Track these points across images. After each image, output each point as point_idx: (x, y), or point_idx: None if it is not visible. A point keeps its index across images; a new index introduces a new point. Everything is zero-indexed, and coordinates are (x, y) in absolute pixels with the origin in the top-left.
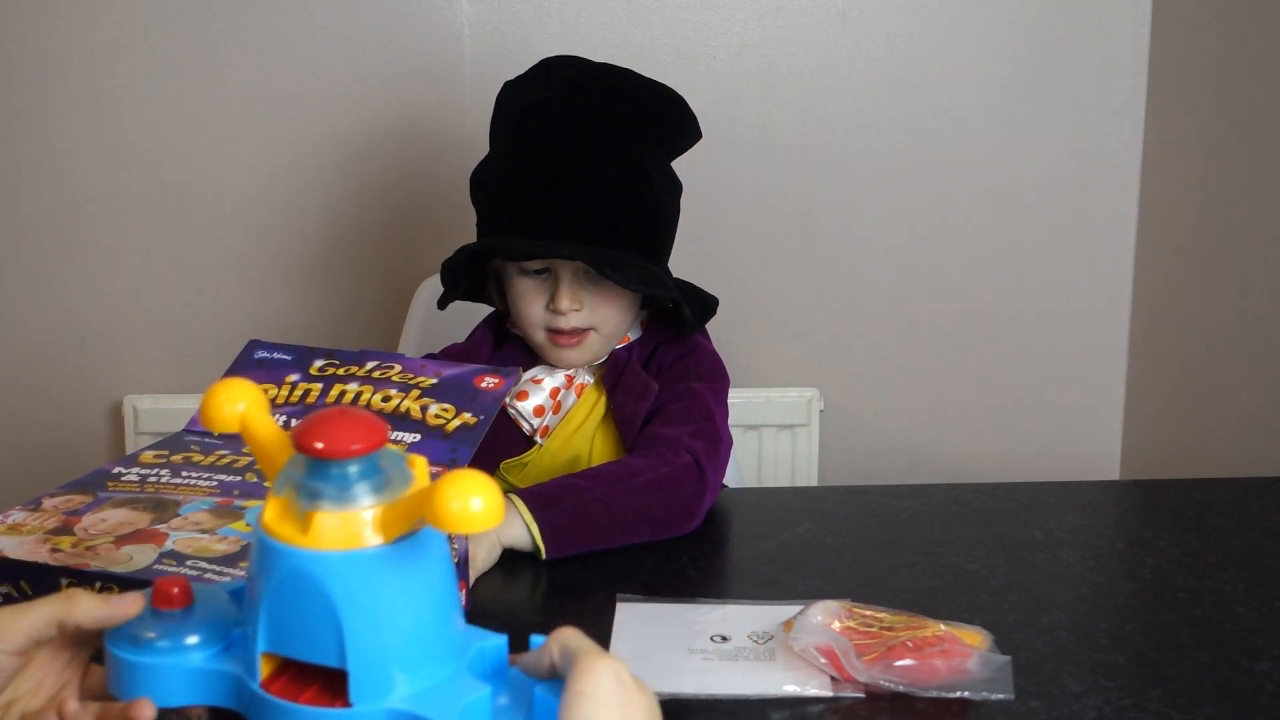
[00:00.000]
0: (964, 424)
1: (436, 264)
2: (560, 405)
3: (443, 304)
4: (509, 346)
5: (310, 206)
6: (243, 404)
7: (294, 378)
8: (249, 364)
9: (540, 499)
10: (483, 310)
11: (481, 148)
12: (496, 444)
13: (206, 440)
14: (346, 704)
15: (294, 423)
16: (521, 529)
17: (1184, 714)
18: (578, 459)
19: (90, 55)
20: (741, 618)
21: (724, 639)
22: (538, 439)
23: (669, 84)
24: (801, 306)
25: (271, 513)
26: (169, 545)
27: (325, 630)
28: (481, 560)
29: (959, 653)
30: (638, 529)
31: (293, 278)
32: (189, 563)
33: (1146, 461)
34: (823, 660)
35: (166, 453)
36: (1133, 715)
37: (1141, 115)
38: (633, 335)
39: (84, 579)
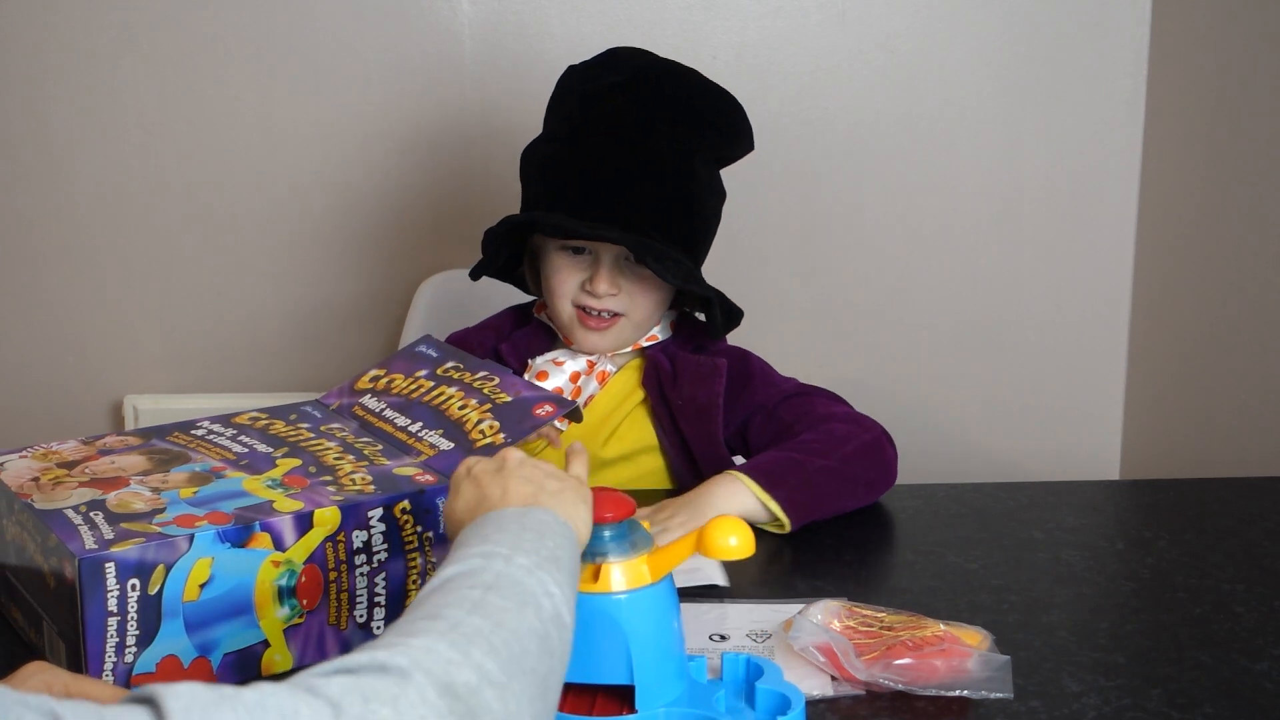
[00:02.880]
0: (964, 424)
1: (437, 263)
2: (580, 390)
3: (475, 274)
4: (529, 329)
5: (310, 206)
6: None
7: (422, 373)
8: (405, 354)
9: (765, 474)
10: (492, 307)
11: (482, 146)
12: None
13: (313, 412)
14: (632, 711)
15: (386, 411)
16: (755, 504)
17: (1184, 714)
18: (595, 454)
19: (90, 55)
20: (740, 617)
21: (722, 638)
22: (557, 424)
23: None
24: (801, 306)
25: None
26: (109, 495)
27: (617, 654)
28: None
29: (958, 652)
30: (855, 493)
31: (293, 277)
32: (92, 513)
33: (1146, 461)
34: (822, 659)
35: (264, 416)
36: (1132, 715)
37: (1141, 115)
38: (661, 335)
39: (27, 509)
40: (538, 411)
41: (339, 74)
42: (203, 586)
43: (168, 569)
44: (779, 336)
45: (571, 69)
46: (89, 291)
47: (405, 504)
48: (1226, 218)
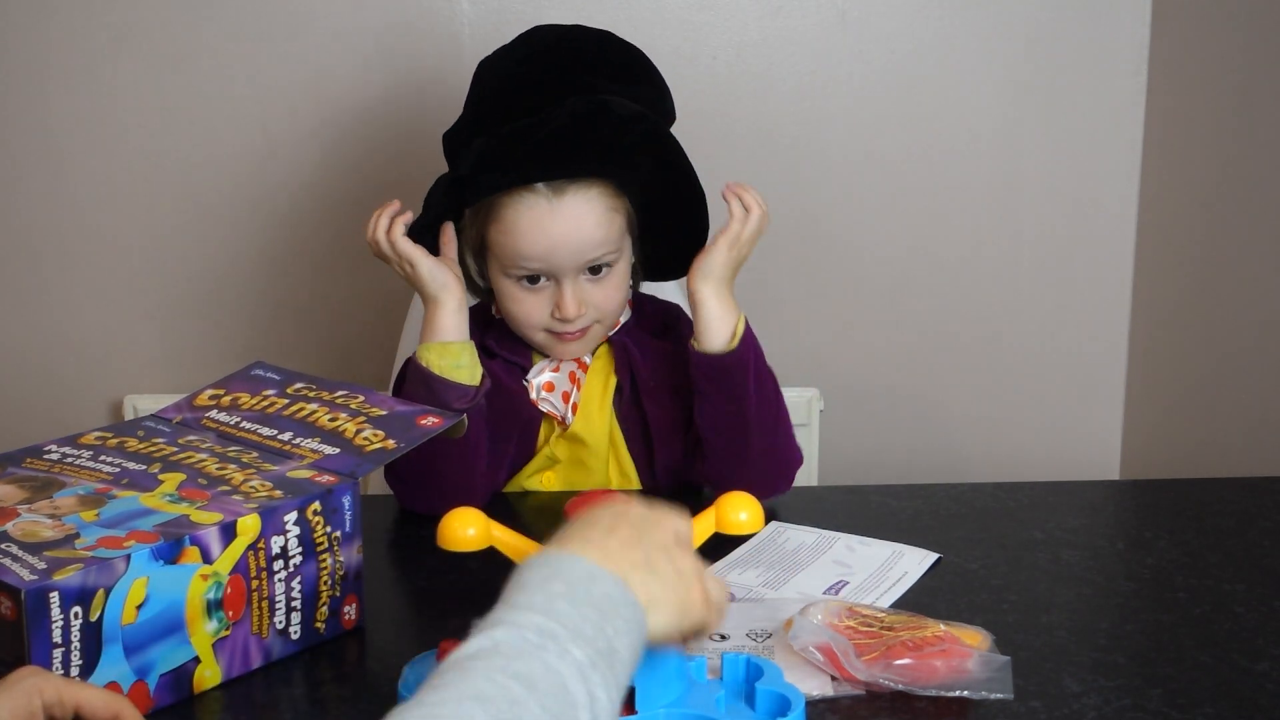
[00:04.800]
0: (964, 424)
1: None
2: (579, 382)
3: (413, 231)
4: (497, 332)
5: (310, 205)
6: (473, 529)
7: (270, 393)
8: (243, 377)
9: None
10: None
11: None
12: (520, 459)
13: (159, 427)
14: (631, 712)
15: (244, 424)
16: (730, 322)
17: (1184, 714)
18: (599, 443)
19: (90, 53)
20: (740, 615)
21: (723, 637)
22: (569, 416)
23: (669, 84)
24: (801, 306)
25: None
26: (8, 525)
27: None
28: None
29: (958, 653)
30: (777, 419)
31: (292, 276)
32: (4, 545)
33: (1146, 461)
34: (821, 659)
35: (110, 435)
36: (1133, 715)
37: (1141, 115)
38: (622, 318)
39: None
40: (422, 422)
41: (339, 73)
42: (139, 608)
43: (107, 593)
44: (778, 337)
45: (483, 60)
46: (89, 291)
47: (316, 505)
48: (1227, 218)
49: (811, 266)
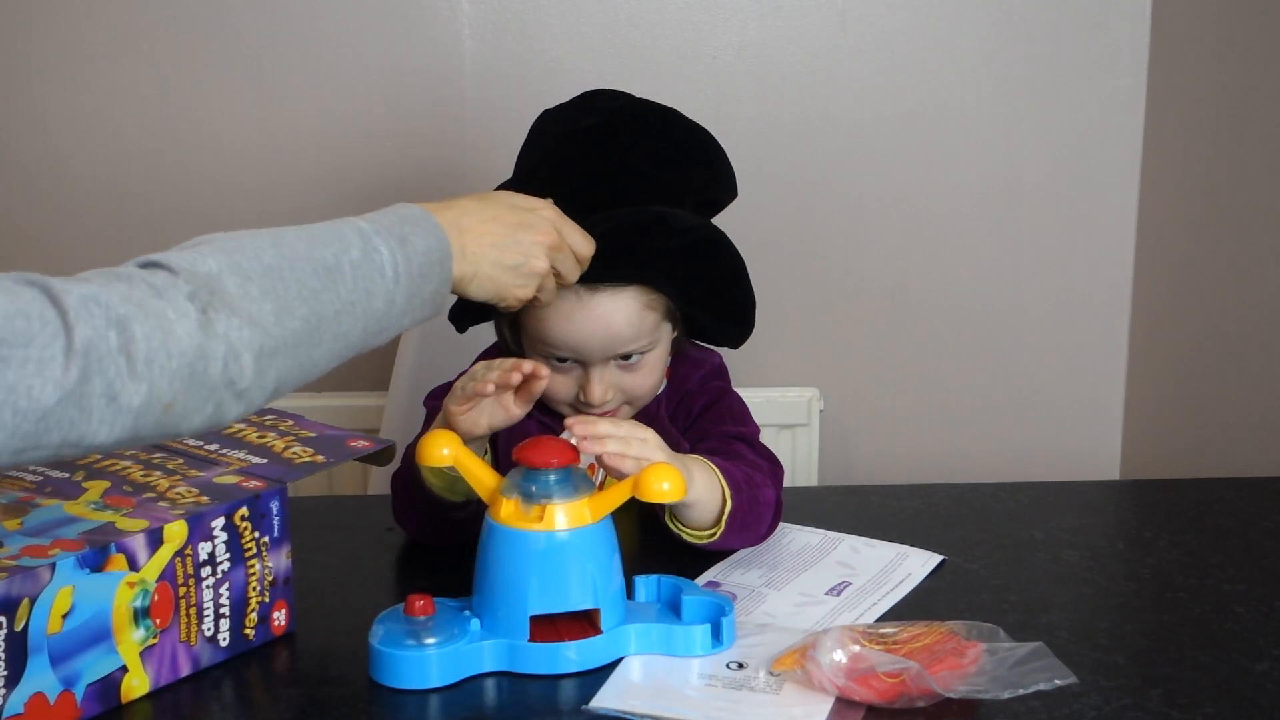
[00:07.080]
0: (964, 424)
1: None
2: None
3: (460, 324)
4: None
5: (310, 207)
6: (447, 449)
7: None
8: None
9: (727, 474)
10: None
11: (481, 148)
12: None
13: None
14: (598, 632)
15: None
16: (712, 513)
17: (1184, 714)
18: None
19: (90, 54)
20: (761, 649)
21: (740, 665)
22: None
23: (669, 84)
24: (801, 306)
25: (508, 512)
26: None
27: (583, 583)
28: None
29: (969, 646)
30: (744, 539)
31: None
32: None
33: (1146, 461)
34: (865, 691)
35: None
36: (1133, 715)
37: (1141, 115)
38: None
39: None
40: (352, 444)
41: (339, 74)
42: (64, 617)
43: (32, 602)
44: (778, 337)
45: (545, 112)
46: None
47: (244, 510)
48: (1227, 217)
49: (811, 266)
